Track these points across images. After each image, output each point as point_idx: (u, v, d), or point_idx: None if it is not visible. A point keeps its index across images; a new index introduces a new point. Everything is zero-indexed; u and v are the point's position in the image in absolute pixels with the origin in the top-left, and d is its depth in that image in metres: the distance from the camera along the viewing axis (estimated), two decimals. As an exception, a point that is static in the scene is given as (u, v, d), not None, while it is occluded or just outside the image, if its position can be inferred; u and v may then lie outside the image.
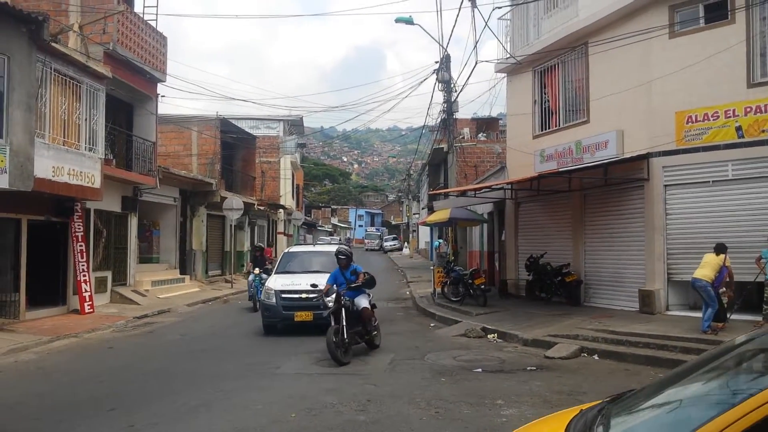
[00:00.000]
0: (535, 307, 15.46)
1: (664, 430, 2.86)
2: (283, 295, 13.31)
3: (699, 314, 12.56)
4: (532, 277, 17.02)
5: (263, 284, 15.81)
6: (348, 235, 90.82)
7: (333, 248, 14.99)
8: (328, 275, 12.42)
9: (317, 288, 12.31)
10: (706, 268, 10.84)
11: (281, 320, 13.37)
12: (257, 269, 18.88)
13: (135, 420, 7.13)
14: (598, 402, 3.53)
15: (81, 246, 16.72)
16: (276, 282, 13.86)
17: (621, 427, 2.96)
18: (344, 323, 10.30)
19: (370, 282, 11.35)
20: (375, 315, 11.36)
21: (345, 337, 10.22)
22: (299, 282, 13.27)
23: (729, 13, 12.49)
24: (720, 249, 10.97)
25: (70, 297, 16.92)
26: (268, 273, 16.92)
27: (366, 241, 76.34)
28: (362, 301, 11.05)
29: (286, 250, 17.40)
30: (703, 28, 12.98)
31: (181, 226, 24.87)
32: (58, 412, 7.59)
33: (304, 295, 13.10)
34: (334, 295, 10.91)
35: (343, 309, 10.48)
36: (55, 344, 12.72)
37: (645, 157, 13.56)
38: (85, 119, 16.03)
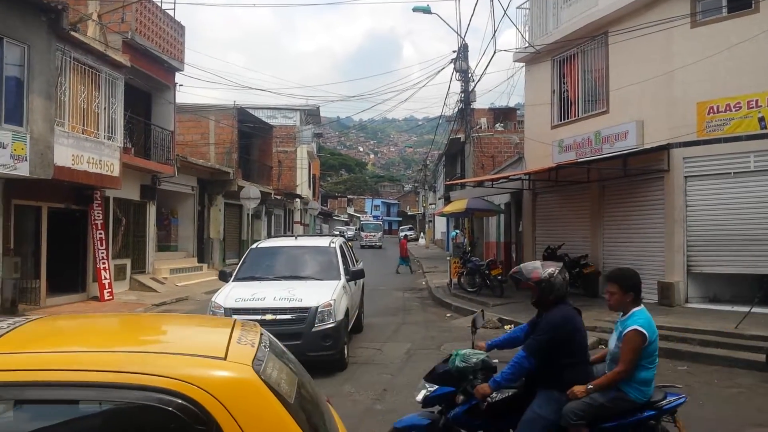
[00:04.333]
0: (552, 299, 15.35)
1: None
2: (237, 316, 7.66)
3: (719, 307, 12.47)
4: (550, 268, 16.91)
5: None
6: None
7: (325, 242, 11.49)
8: (316, 284, 9.68)
9: (294, 305, 8.87)
10: None
11: None
12: None
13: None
14: None
15: (100, 234, 16.89)
16: (229, 295, 9.39)
17: None
18: None
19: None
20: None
21: None
22: (264, 294, 9.21)
23: (753, 2, 12.28)
24: None
25: (89, 284, 17.12)
26: None
27: (363, 234, 56.65)
28: None
29: (253, 246, 11.81)
30: (725, 17, 12.77)
31: (198, 215, 25.05)
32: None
33: (269, 316, 8.63)
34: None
35: None
36: (75, 331, 12.86)
37: (665, 148, 13.39)
38: (104, 108, 16.16)
